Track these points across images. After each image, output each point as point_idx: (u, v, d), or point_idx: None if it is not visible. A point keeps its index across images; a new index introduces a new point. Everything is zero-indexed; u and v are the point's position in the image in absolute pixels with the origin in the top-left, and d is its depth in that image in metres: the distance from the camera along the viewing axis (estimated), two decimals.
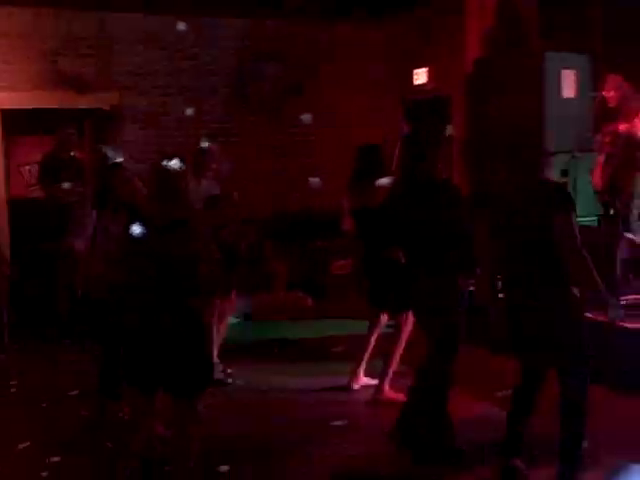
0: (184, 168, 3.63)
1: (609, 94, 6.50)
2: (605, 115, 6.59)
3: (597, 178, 6.55)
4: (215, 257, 3.54)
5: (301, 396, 5.59)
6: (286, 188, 9.11)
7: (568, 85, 7.67)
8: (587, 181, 6.68)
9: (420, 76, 8.81)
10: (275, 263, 8.87)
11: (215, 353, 5.48)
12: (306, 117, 5.42)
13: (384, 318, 5.54)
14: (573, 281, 3.70)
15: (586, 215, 6.49)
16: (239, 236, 5.80)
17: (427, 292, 4.33)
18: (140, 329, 3.57)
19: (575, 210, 3.71)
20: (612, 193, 6.44)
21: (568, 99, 7.62)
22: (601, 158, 6.52)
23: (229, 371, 5.91)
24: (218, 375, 5.28)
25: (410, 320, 5.15)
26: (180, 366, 3.48)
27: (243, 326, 7.71)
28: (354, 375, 5.66)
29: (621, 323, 5.47)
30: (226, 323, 6.06)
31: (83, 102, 7.92)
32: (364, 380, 5.66)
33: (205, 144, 5.94)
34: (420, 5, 8.65)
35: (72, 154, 7.48)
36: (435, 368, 4.40)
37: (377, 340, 5.63)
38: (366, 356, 5.67)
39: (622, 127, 6.31)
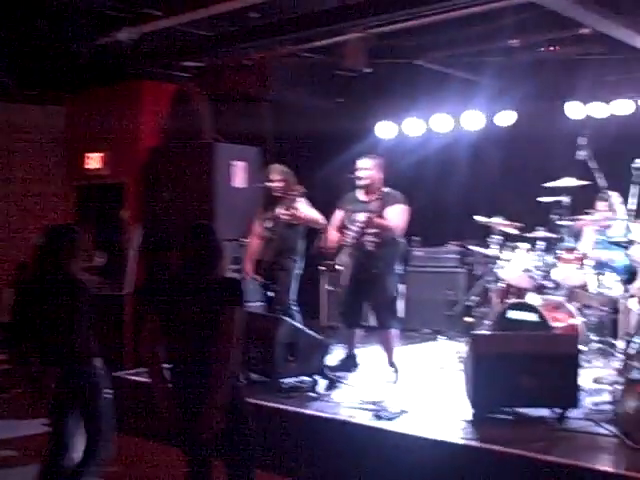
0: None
1: (273, 183, 6.59)
2: (270, 203, 6.66)
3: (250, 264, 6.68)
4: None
5: None
6: None
7: (238, 175, 7.85)
8: None
9: (94, 161, 8.51)
10: None
11: None
12: None
13: None
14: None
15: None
16: None
17: None
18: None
19: (243, 304, 3.66)
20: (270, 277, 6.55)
21: (238, 188, 7.81)
22: (256, 243, 6.67)
23: None
24: None
25: None
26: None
27: None
28: None
29: None
30: None
31: None
32: None
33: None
34: (97, 89, 8.43)
35: None
36: None
37: None
38: None
39: (282, 212, 6.41)
